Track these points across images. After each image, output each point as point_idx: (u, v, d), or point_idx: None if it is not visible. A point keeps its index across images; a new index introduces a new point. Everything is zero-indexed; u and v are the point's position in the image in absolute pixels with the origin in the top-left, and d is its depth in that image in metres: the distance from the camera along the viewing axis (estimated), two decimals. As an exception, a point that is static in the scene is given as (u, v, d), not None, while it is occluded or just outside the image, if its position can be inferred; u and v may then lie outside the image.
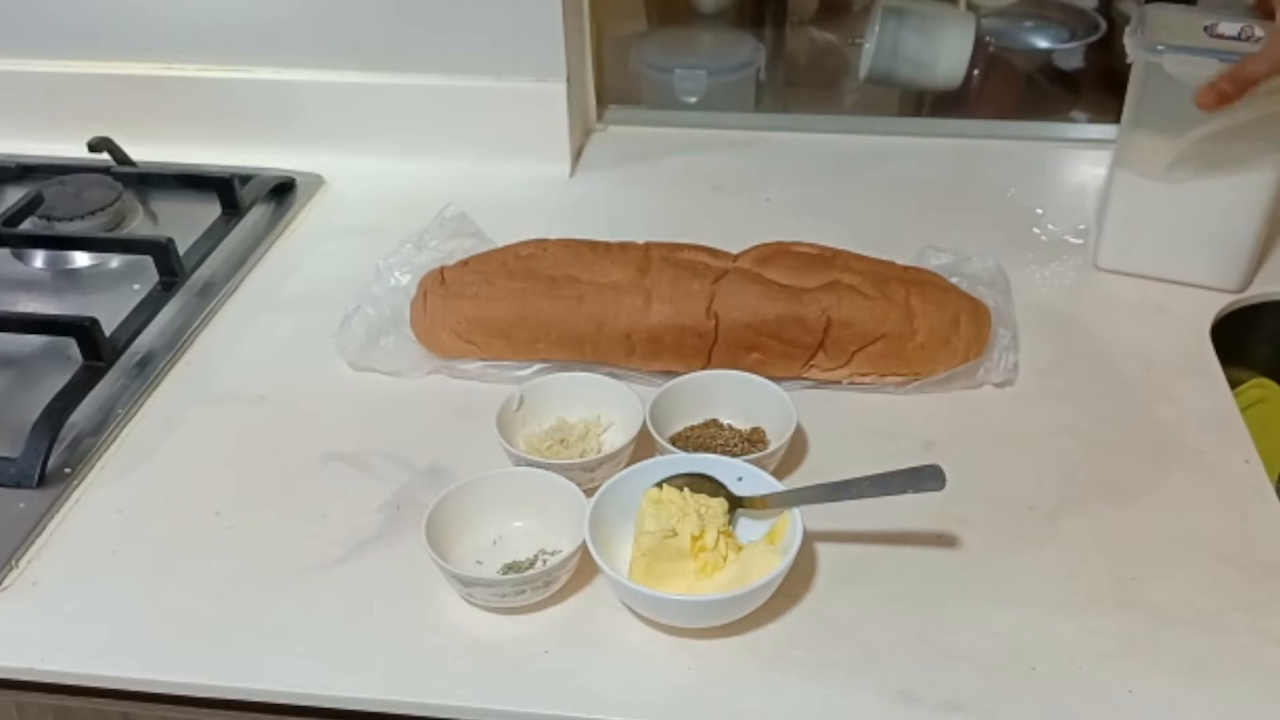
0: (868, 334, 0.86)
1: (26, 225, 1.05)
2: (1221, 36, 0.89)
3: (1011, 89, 1.36)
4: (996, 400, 0.88)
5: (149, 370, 0.91)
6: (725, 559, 0.71)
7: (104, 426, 0.85)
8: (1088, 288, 1.00)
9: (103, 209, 1.07)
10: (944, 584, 0.73)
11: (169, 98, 1.19)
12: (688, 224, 1.00)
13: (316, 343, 0.94)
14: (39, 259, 1.05)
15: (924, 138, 1.23)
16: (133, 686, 0.69)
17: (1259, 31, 0.88)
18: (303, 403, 0.89)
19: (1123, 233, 0.98)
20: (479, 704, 0.66)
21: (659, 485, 0.74)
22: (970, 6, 1.29)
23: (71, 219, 1.06)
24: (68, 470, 0.81)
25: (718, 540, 0.71)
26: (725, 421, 0.84)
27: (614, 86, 1.27)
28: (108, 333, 0.90)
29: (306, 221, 1.12)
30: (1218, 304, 0.96)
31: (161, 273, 0.99)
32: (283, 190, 1.14)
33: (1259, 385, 1.01)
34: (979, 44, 1.25)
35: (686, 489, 0.74)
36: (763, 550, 0.71)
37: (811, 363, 0.87)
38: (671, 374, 0.86)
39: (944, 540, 0.75)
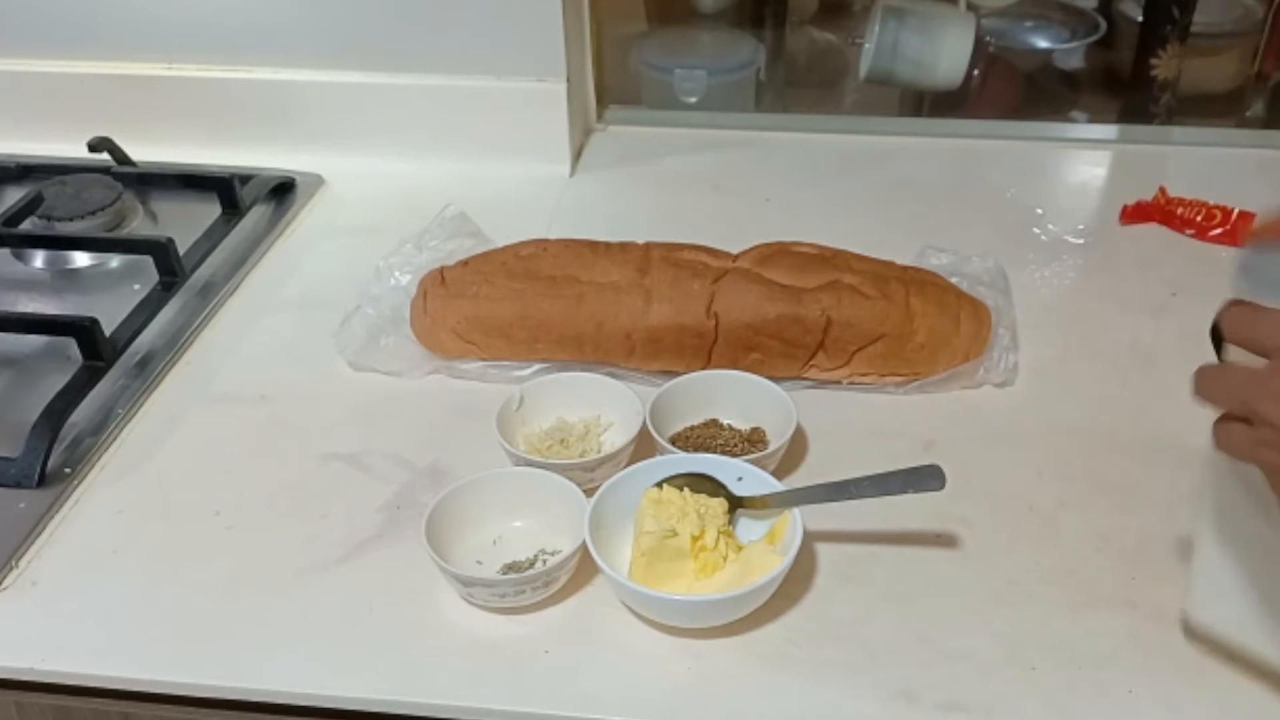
0: (868, 334, 0.86)
1: (26, 225, 1.05)
2: None
3: (1011, 89, 1.36)
4: (996, 400, 0.88)
5: (149, 370, 0.91)
6: (725, 559, 0.72)
7: (104, 426, 0.85)
8: (1088, 288, 1.00)
9: (103, 209, 1.07)
10: (944, 584, 0.73)
11: (169, 98, 1.19)
12: (688, 224, 1.00)
13: (316, 343, 0.94)
14: (39, 259, 1.05)
15: (924, 138, 1.23)
16: (133, 686, 0.69)
17: None
18: (303, 403, 0.89)
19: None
20: (479, 704, 0.66)
21: (659, 485, 0.74)
22: (970, 6, 1.29)
23: (71, 219, 1.06)
24: (68, 470, 0.81)
25: (718, 540, 0.71)
26: (725, 421, 0.84)
27: (614, 86, 1.27)
28: (108, 333, 0.90)
29: (306, 221, 1.12)
30: (1218, 304, 0.96)
31: (161, 273, 0.99)
32: (283, 190, 1.14)
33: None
34: (979, 44, 1.25)
35: (686, 489, 0.74)
36: (763, 550, 0.71)
37: (811, 363, 0.87)
38: (671, 374, 0.86)
39: (944, 540, 0.75)
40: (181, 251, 1.00)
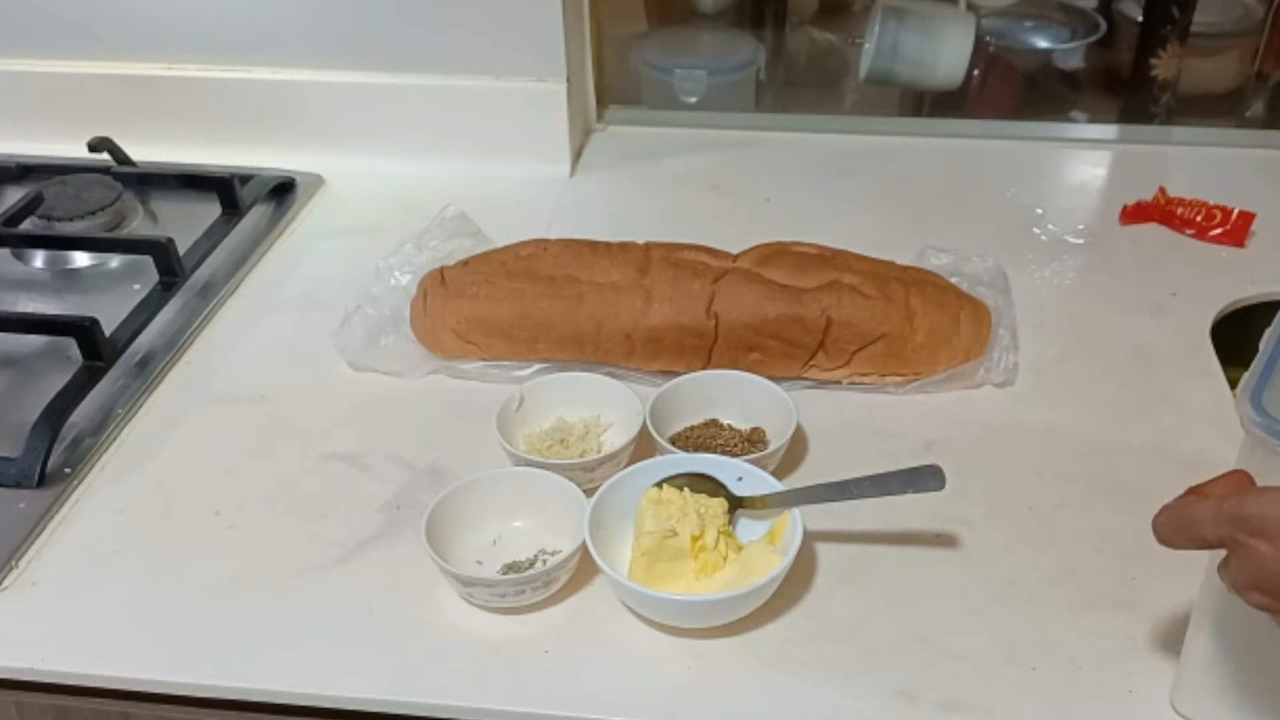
0: (868, 334, 0.86)
1: (26, 225, 1.05)
2: None
3: (1011, 89, 1.36)
4: (996, 400, 0.88)
5: (149, 370, 0.91)
6: (725, 559, 0.71)
7: (104, 426, 0.85)
8: (1088, 288, 1.00)
9: (103, 209, 1.07)
10: (944, 584, 0.73)
11: (169, 98, 1.19)
12: (688, 224, 1.00)
13: (316, 343, 0.94)
14: (39, 259, 1.05)
15: (924, 138, 1.23)
16: (133, 686, 0.69)
17: None
18: (303, 403, 0.89)
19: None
20: (479, 704, 0.66)
21: (659, 485, 0.74)
22: (970, 6, 1.29)
23: (71, 219, 1.06)
24: (68, 470, 0.81)
25: (718, 540, 0.71)
26: (725, 421, 0.84)
27: (614, 86, 1.27)
28: (108, 333, 0.90)
29: (306, 221, 1.12)
30: (1218, 304, 0.96)
31: (161, 273, 0.99)
32: (283, 190, 1.14)
33: (1259, 387, 0.99)
34: (979, 44, 1.25)
35: (686, 489, 0.74)
36: (763, 550, 0.71)
37: (811, 363, 0.87)
38: (671, 374, 0.86)
39: (944, 540, 0.75)
40: (181, 251, 1.00)
